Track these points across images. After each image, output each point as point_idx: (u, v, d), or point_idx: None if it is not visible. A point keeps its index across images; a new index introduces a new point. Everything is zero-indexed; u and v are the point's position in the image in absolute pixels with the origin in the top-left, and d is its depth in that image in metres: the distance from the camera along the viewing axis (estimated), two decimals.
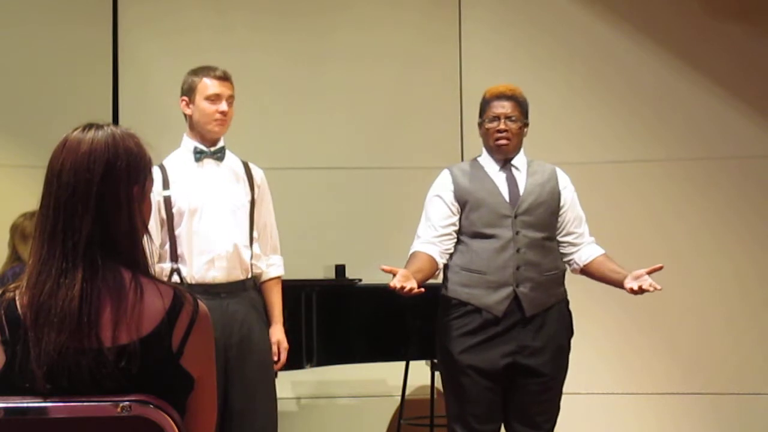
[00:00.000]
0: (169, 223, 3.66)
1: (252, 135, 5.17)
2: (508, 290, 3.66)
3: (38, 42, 5.31)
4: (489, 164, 3.80)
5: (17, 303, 1.81)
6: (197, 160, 3.75)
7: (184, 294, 1.86)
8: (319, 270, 5.23)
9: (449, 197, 3.77)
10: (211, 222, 3.69)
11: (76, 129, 1.88)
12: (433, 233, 3.75)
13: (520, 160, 3.81)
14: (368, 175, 5.55)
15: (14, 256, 4.70)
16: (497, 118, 3.76)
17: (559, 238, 3.80)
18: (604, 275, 3.77)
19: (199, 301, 1.88)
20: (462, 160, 5.65)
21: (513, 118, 3.76)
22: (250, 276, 3.77)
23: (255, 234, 3.81)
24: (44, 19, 5.35)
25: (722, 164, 5.42)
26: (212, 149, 3.78)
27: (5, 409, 1.75)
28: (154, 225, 3.60)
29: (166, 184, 3.68)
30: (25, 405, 1.76)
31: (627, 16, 5.53)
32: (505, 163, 3.79)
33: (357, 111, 5.59)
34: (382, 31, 5.65)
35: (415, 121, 5.62)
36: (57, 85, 5.30)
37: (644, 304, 5.36)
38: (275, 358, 3.81)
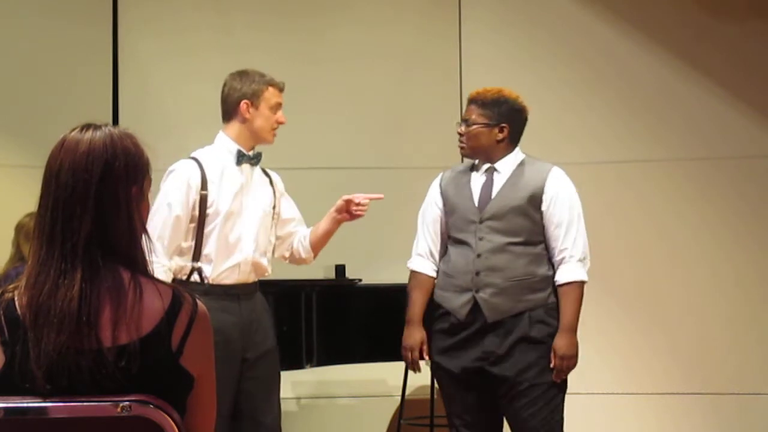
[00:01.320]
0: (200, 223, 3.66)
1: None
2: (469, 295, 3.67)
3: (38, 42, 5.31)
4: (479, 167, 3.81)
5: (16, 303, 1.81)
6: (238, 163, 3.76)
7: (183, 293, 1.86)
8: (319, 270, 5.23)
9: (439, 201, 3.84)
10: (244, 227, 3.71)
11: (74, 129, 1.88)
12: (426, 244, 3.86)
13: (505, 163, 3.74)
14: (368, 175, 5.55)
15: (18, 255, 4.73)
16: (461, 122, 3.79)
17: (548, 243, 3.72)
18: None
19: (198, 301, 1.88)
20: (462, 160, 5.66)
21: (468, 122, 3.73)
22: (258, 278, 3.83)
23: (272, 239, 3.86)
24: (44, 18, 5.35)
25: (722, 164, 5.41)
26: (251, 154, 3.80)
27: (5, 409, 1.75)
28: (183, 219, 3.62)
29: (204, 183, 3.68)
30: (25, 405, 1.76)
31: (627, 16, 5.53)
32: (489, 167, 3.77)
33: (357, 111, 5.59)
34: (381, 32, 5.65)
35: (415, 121, 5.62)
36: (57, 85, 5.30)
37: (644, 304, 5.38)
38: None
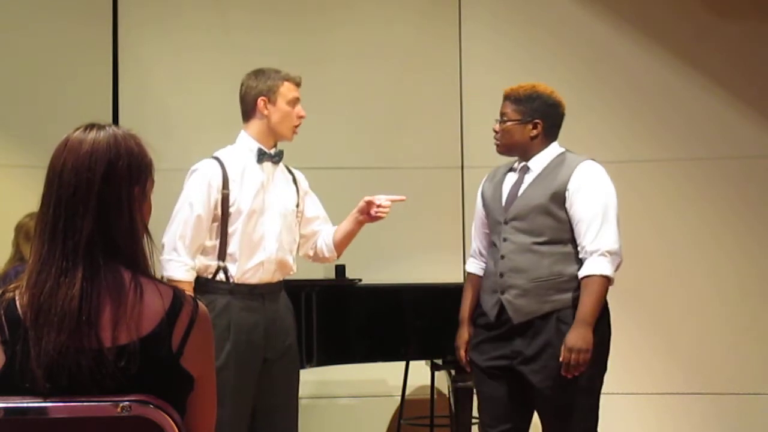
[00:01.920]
0: (224, 221, 3.67)
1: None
2: (496, 297, 3.64)
3: (38, 42, 5.31)
4: (516, 166, 3.74)
5: (17, 303, 1.81)
6: (259, 161, 3.77)
7: (183, 294, 1.86)
8: (319, 270, 5.23)
9: (480, 202, 3.83)
10: (266, 225, 3.72)
11: (77, 129, 1.88)
12: (476, 245, 3.87)
13: (538, 160, 3.66)
14: (368, 174, 5.55)
15: (18, 255, 4.72)
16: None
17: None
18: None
19: (199, 302, 1.88)
20: (462, 160, 5.67)
21: (503, 118, 3.68)
22: (286, 276, 3.84)
23: (297, 237, 3.87)
24: (44, 18, 5.35)
25: (722, 164, 5.42)
26: (272, 151, 3.80)
27: (5, 409, 1.75)
28: (205, 218, 3.63)
29: (226, 182, 3.68)
30: (25, 405, 1.76)
31: (627, 16, 5.53)
32: (523, 165, 3.70)
33: (357, 111, 5.59)
34: (381, 31, 5.65)
35: (415, 121, 5.62)
36: (57, 85, 5.30)
37: (644, 304, 5.38)
38: None
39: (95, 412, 1.74)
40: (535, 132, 3.66)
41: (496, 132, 3.70)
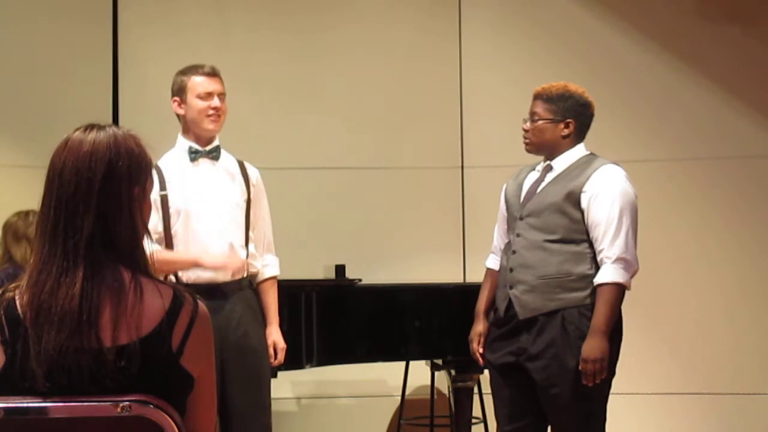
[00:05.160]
0: (166, 223, 3.66)
1: (251, 135, 5.17)
2: (506, 292, 3.65)
3: (38, 41, 5.31)
4: (540, 165, 3.74)
5: (17, 302, 1.81)
6: (192, 159, 3.75)
7: (183, 294, 1.86)
8: (319, 270, 5.23)
9: (503, 199, 3.84)
10: (208, 222, 3.69)
11: (77, 129, 1.89)
12: (496, 241, 3.88)
13: (561, 160, 3.66)
14: (368, 175, 5.55)
15: (6, 256, 4.53)
16: (526, 119, 3.72)
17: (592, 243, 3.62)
18: None
19: (199, 301, 1.88)
20: (462, 160, 5.67)
21: (534, 118, 3.66)
22: (245, 275, 3.77)
23: (251, 234, 3.81)
24: (44, 18, 5.34)
25: (722, 164, 5.41)
26: (207, 148, 3.77)
27: (5, 409, 1.75)
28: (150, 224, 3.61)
29: (162, 185, 3.67)
30: (25, 405, 1.76)
31: (627, 16, 5.53)
32: (546, 165, 3.70)
33: (356, 111, 5.59)
34: (381, 31, 5.64)
35: (415, 121, 5.62)
36: (57, 85, 5.30)
37: (644, 303, 5.37)
38: (272, 359, 3.81)
39: (95, 412, 1.74)
40: (566, 131, 3.66)
41: (526, 131, 3.69)
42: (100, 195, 1.82)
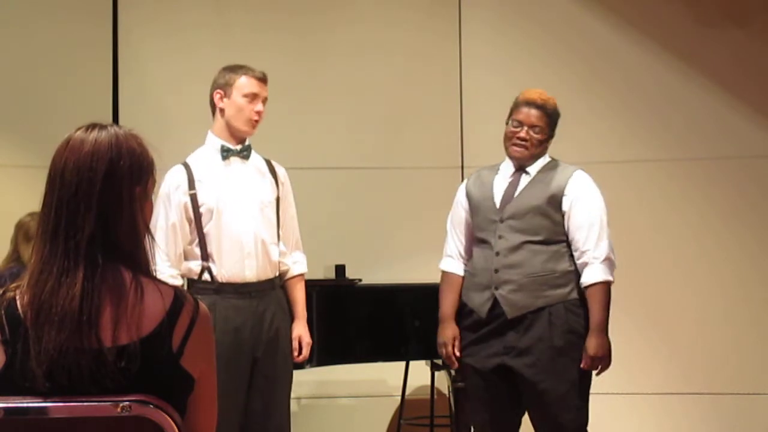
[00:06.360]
0: (197, 222, 3.67)
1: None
2: (489, 293, 3.72)
3: (38, 41, 5.31)
4: (504, 168, 3.85)
5: (18, 302, 1.81)
6: (224, 158, 3.76)
7: (184, 294, 1.86)
8: (319, 270, 5.23)
9: (464, 203, 3.90)
10: (240, 220, 3.71)
11: (79, 129, 1.88)
12: (455, 245, 3.92)
13: (535, 166, 3.80)
14: (368, 175, 5.55)
15: (14, 255, 4.62)
16: (521, 124, 3.77)
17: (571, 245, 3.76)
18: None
19: (200, 302, 1.88)
20: (462, 160, 5.66)
21: (537, 129, 3.77)
22: (277, 274, 3.81)
23: (281, 231, 3.84)
24: (44, 18, 5.35)
25: (722, 164, 5.41)
26: (239, 147, 3.79)
27: (5, 409, 1.74)
28: (178, 224, 3.64)
29: (191, 183, 3.69)
30: (25, 405, 1.76)
31: (627, 17, 5.53)
32: (520, 169, 3.81)
33: (357, 111, 5.59)
34: (382, 31, 5.64)
35: (415, 121, 5.62)
36: (57, 85, 5.30)
37: (644, 304, 5.38)
38: (296, 353, 3.84)
39: (95, 412, 1.74)
40: (548, 143, 3.84)
41: (525, 140, 3.76)
42: (102, 195, 1.82)
